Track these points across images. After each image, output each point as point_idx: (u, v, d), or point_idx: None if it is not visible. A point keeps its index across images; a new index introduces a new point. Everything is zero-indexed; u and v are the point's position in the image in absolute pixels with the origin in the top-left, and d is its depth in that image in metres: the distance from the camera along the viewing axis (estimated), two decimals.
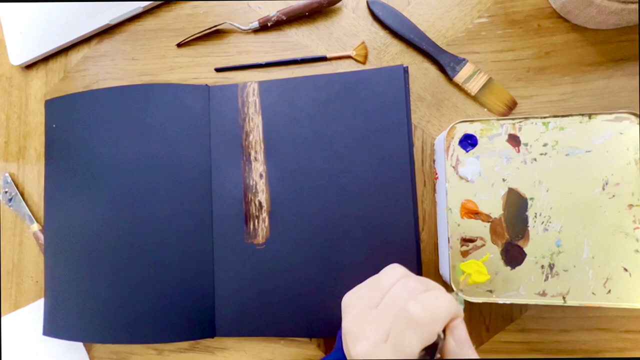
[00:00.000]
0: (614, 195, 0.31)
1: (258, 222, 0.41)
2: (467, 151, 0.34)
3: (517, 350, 0.37)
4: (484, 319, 0.38)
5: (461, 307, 0.26)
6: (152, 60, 0.46)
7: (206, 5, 0.46)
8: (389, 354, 0.24)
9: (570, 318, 0.37)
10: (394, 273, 0.28)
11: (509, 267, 0.33)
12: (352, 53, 0.42)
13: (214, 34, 0.45)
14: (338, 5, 0.43)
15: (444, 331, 0.24)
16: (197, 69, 0.45)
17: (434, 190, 0.40)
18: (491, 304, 0.37)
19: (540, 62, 0.39)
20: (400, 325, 0.24)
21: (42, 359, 0.45)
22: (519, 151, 0.33)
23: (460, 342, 0.24)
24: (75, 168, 0.45)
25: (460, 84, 0.40)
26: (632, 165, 0.31)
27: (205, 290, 0.41)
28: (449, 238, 0.34)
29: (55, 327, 0.44)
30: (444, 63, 0.40)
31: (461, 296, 0.30)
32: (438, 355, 0.24)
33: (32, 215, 0.47)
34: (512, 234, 0.33)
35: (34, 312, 0.46)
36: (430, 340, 0.23)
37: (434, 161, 0.40)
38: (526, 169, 0.33)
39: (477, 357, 0.25)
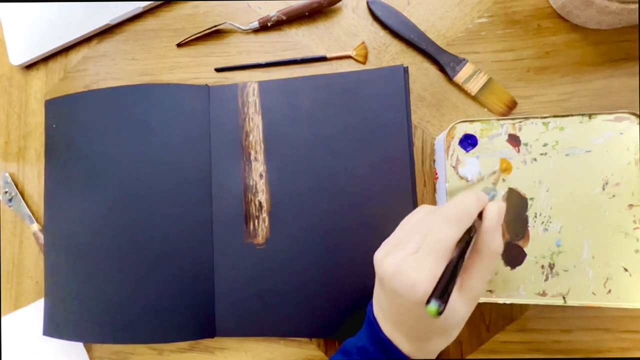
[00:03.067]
0: (614, 195, 0.31)
1: (258, 222, 0.41)
2: (467, 151, 0.34)
3: (517, 350, 0.37)
4: (484, 319, 0.38)
5: (487, 196, 0.28)
6: (152, 60, 0.46)
7: (206, 5, 0.46)
8: (422, 257, 0.25)
9: (570, 318, 0.37)
10: (420, 211, 0.30)
11: (509, 267, 0.33)
12: (352, 53, 0.42)
13: (214, 34, 0.45)
14: (338, 5, 0.43)
15: (479, 218, 0.27)
16: (197, 69, 0.45)
17: (434, 190, 0.40)
18: (491, 304, 0.37)
19: (540, 62, 0.39)
20: (435, 224, 0.25)
21: (42, 359, 0.45)
22: (519, 151, 0.33)
23: (496, 217, 0.27)
24: (75, 168, 0.45)
25: (460, 84, 0.40)
26: (632, 165, 0.31)
27: (205, 290, 0.41)
28: None
29: (55, 327, 0.44)
30: (444, 63, 0.40)
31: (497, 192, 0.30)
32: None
33: (32, 215, 0.47)
34: (512, 234, 0.33)
35: (34, 312, 0.46)
36: (461, 231, 0.25)
37: (434, 161, 0.40)
38: (526, 169, 0.33)
39: (500, 232, 0.27)
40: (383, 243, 0.29)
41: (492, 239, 0.26)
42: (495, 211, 0.27)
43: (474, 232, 0.26)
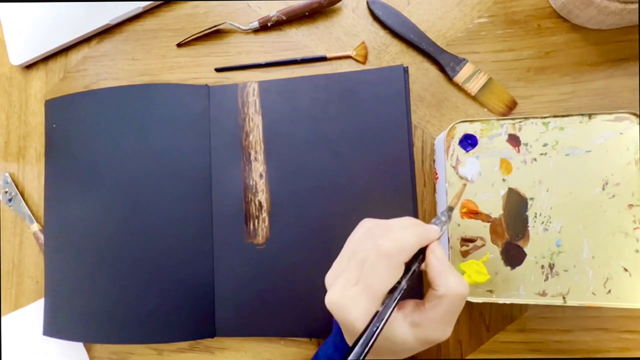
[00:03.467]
0: (614, 195, 0.31)
1: (258, 222, 0.41)
2: (467, 151, 0.34)
3: (517, 350, 0.37)
4: (484, 319, 0.38)
5: (435, 231, 0.27)
6: (152, 60, 0.46)
7: (206, 5, 0.46)
8: (358, 294, 0.25)
9: (570, 318, 0.37)
10: (362, 227, 0.29)
11: (509, 267, 0.33)
12: (352, 53, 0.42)
13: (214, 34, 0.45)
14: (338, 5, 0.43)
15: (424, 255, 0.27)
16: (197, 69, 0.45)
17: (434, 190, 0.40)
18: (491, 304, 0.37)
19: (540, 62, 0.39)
20: (371, 261, 0.25)
21: (42, 359, 0.45)
22: (519, 151, 0.33)
23: (441, 259, 0.26)
24: (75, 168, 0.45)
25: (460, 84, 0.40)
26: (632, 165, 0.31)
27: (205, 290, 0.41)
28: (449, 238, 0.34)
29: (55, 327, 0.44)
30: (444, 63, 0.40)
31: (445, 216, 0.29)
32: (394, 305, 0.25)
33: (32, 215, 0.47)
34: (512, 234, 0.33)
35: (34, 312, 0.46)
36: (398, 272, 0.25)
37: (434, 161, 0.40)
38: (526, 169, 0.33)
39: (455, 271, 0.26)
40: (334, 264, 0.29)
41: (447, 279, 0.25)
42: (439, 252, 0.26)
43: (409, 277, 0.25)
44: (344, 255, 0.28)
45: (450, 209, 0.31)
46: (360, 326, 0.24)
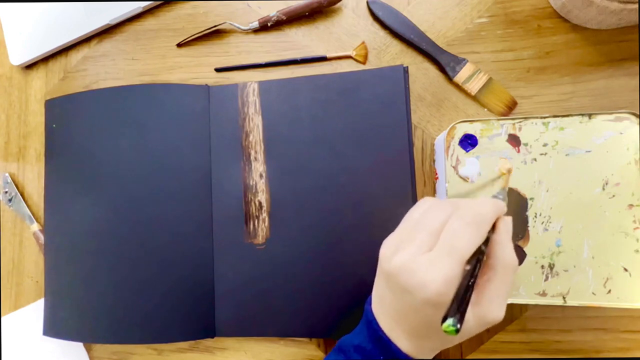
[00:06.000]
0: (614, 195, 0.31)
1: (258, 222, 0.41)
2: (467, 151, 0.34)
3: (517, 350, 0.37)
4: None
5: (504, 204, 0.28)
6: (152, 60, 0.46)
7: (206, 5, 0.46)
8: (438, 257, 0.24)
9: (570, 318, 0.37)
10: (424, 204, 0.29)
11: None
12: (352, 53, 0.42)
13: (214, 34, 0.45)
14: (338, 5, 0.43)
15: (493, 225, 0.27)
16: (197, 69, 0.45)
17: (434, 190, 0.40)
18: None
19: (540, 62, 0.39)
20: (456, 227, 0.25)
21: (42, 359, 0.45)
22: (519, 151, 0.33)
23: (508, 231, 0.27)
24: (75, 168, 0.45)
25: (460, 84, 0.40)
26: (632, 165, 0.31)
27: (205, 290, 0.41)
28: None
29: (55, 327, 0.44)
30: (444, 63, 0.40)
31: (502, 195, 0.31)
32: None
33: (32, 215, 0.47)
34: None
35: (34, 312, 0.46)
36: (481, 238, 0.25)
37: (434, 161, 0.40)
38: (526, 169, 0.33)
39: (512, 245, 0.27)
40: (388, 238, 0.28)
41: (505, 252, 0.26)
42: (509, 223, 0.27)
43: (486, 244, 0.26)
44: (406, 228, 0.28)
45: (503, 189, 0.32)
46: (436, 287, 0.23)
